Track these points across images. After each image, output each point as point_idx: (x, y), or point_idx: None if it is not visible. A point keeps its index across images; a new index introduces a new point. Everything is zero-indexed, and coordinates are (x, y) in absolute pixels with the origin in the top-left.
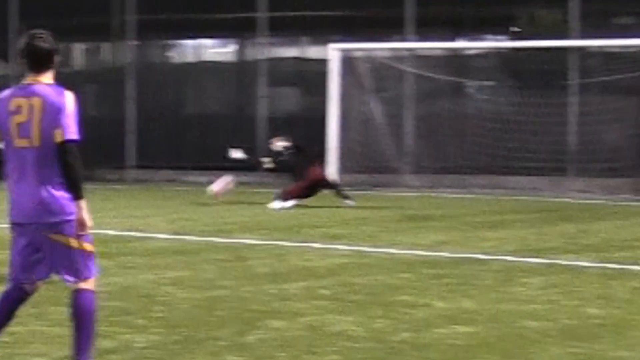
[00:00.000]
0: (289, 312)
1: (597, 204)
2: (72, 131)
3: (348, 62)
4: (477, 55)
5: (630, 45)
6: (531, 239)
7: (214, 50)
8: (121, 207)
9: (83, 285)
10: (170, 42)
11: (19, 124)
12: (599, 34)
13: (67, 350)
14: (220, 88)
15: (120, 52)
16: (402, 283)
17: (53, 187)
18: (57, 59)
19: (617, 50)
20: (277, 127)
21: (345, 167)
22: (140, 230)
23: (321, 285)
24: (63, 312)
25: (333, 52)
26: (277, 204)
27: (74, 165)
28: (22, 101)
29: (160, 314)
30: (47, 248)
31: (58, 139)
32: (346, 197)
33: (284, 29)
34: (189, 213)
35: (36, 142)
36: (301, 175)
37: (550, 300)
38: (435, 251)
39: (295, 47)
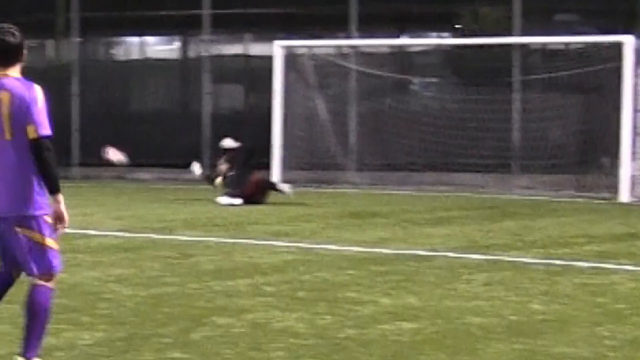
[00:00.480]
0: (234, 309)
1: (541, 200)
2: (44, 127)
3: (292, 59)
4: (421, 53)
5: (573, 42)
6: (476, 236)
7: (158, 47)
8: (67, 204)
9: (41, 281)
10: (114, 39)
11: None
12: (542, 31)
13: (15, 347)
14: (165, 85)
15: (65, 50)
16: (347, 280)
17: (25, 181)
18: (25, 52)
19: (560, 47)
20: (222, 124)
21: (289, 163)
22: (85, 228)
23: (266, 282)
24: (16, 310)
25: (277, 49)
26: (225, 200)
27: (49, 161)
28: None
29: (106, 311)
30: (12, 241)
31: (31, 135)
32: (281, 190)
33: (228, 26)
34: (133, 210)
35: (8, 136)
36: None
37: (494, 297)
38: (380, 248)
39: (240, 44)
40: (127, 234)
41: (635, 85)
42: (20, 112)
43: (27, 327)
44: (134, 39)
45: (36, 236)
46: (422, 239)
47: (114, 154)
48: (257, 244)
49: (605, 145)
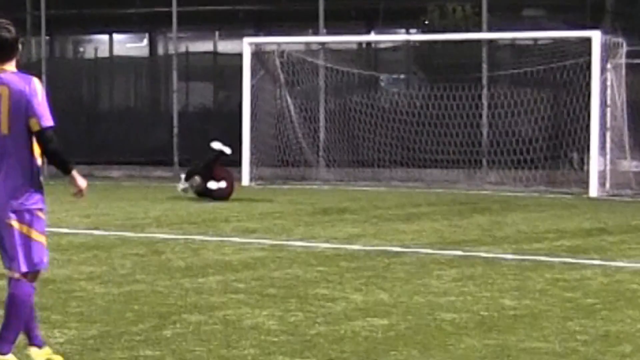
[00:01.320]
0: (205, 306)
1: (511, 196)
2: (47, 118)
3: (262, 56)
4: (390, 49)
5: (541, 38)
6: (446, 231)
7: (127, 45)
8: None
9: (24, 276)
10: (83, 37)
11: None
12: (510, 27)
13: None
14: (134, 83)
15: (33, 48)
16: (318, 276)
17: (21, 175)
18: (20, 47)
19: (529, 42)
20: (191, 121)
21: (258, 160)
22: (56, 226)
23: (237, 279)
24: None
25: (246, 46)
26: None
27: (56, 150)
28: None
29: (77, 309)
30: (6, 235)
31: (35, 128)
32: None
33: (196, 24)
34: (103, 208)
35: (5, 130)
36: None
37: (465, 292)
38: (351, 244)
39: (209, 42)
40: (97, 232)
41: (604, 80)
42: (20, 106)
43: (6, 322)
44: (102, 37)
45: (28, 230)
46: (392, 235)
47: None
48: (227, 241)
49: (575, 140)
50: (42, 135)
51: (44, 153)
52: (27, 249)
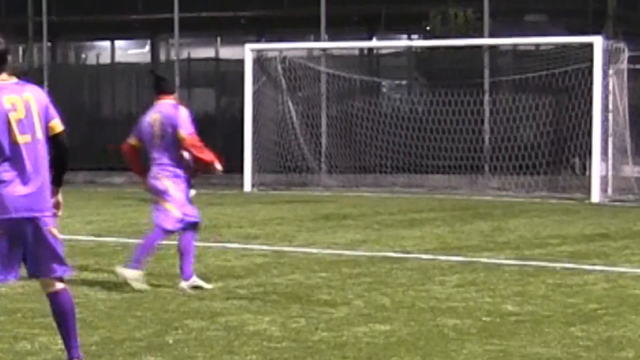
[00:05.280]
0: (207, 313)
1: (513, 201)
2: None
3: (263, 62)
4: (391, 55)
5: (543, 43)
6: (448, 237)
7: (129, 51)
8: None
9: (61, 283)
10: (85, 43)
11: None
12: (512, 33)
13: None
14: (136, 89)
15: (35, 54)
16: (320, 282)
17: (47, 179)
18: (10, 58)
19: (530, 48)
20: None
21: (260, 166)
22: (58, 232)
23: (239, 285)
24: None
25: (248, 53)
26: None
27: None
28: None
29: (79, 316)
30: (42, 242)
31: (58, 129)
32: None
33: (198, 30)
34: (106, 214)
35: (39, 134)
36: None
37: (467, 298)
38: (353, 250)
39: (211, 48)
40: (99, 239)
41: (606, 85)
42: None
43: (68, 330)
44: (104, 43)
45: (57, 234)
46: (394, 241)
47: None
48: (229, 247)
49: (577, 145)
50: (63, 137)
51: (61, 156)
52: (61, 254)
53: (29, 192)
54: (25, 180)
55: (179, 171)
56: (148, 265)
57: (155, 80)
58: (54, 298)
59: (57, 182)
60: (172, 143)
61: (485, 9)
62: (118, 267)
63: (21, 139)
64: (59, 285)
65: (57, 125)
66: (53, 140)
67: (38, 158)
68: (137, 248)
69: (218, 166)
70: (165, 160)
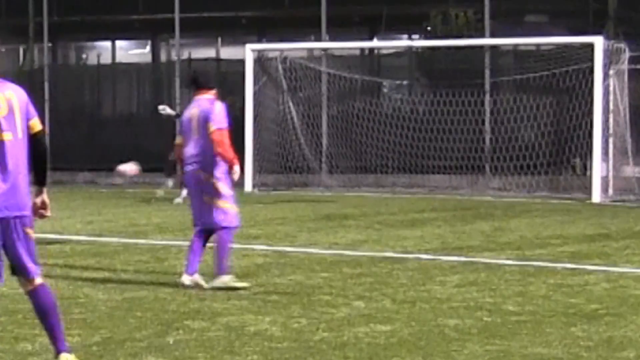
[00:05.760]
0: (208, 313)
1: (514, 201)
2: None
3: (264, 62)
4: (392, 55)
5: (543, 44)
6: (449, 237)
7: (129, 51)
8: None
9: (40, 279)
10: (85, 43)
11: None
12: (513, 33)
13: None
14: (136, 89)
15: (36, 55)
16: (321, 282)
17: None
18: None
19: (531, 48)
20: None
21: (261, 167)
22: (58, 233)
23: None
24: None
25: (249, 53)
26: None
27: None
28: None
29: (80, 316)
30: (23, 241)
31: (37, 128)
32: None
33: (199, 30)
34: (106, 215)
35: (20, 134)
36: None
37: (468, 298)
38: (354, 250)
39: (211, 48)
40: (99, 239)
41: (607, 86)
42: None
43: (53, 324)
44: (105, 44)
45: (32, 234)
46: (395, 241)
47: (128, 168)
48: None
49: (577, 146)
50: (42, 136)
51: (41, 155)
52: (35, 253)
53: (8, 190)
54: (5, 178)
55: (221, 166)
56: (149, 266)
57: (194, 76)
58: (35, 294)
59: (40, 181)
60: (208, 137)
61: (486, 10)
62: (208, 283)
63: (4, 136)
64: (38, 281)
65: (37, 124)
66: (32, 139)
67: (19, 156)
68: (215, 256)
69: (236, 168)
70: (205, 155)
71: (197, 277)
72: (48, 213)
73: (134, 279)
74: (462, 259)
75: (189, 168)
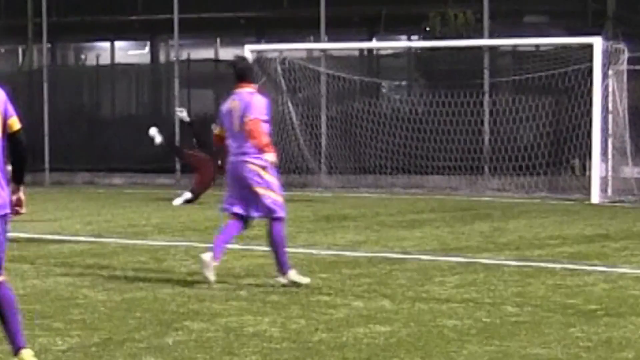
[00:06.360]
0: (207, 314)
1: (512, 202)
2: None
3: (263, 63)
4: (391, 55)
5: (542, 44)
6: (448, 238)
7: (128, 52)
8: (38, 210)
9: (3, 277)
10: (84, 44)
11: None
12: (512, 33)
13: None
14: (135, 90)
15: (36, 55)
16: (320, 283)
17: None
18: None
19: (530, 49)
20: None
21: None
22: (57, 233)
23: (239, 286)
24: None
25: (248, 53)
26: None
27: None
28: None
29: (79, 317)
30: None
31: (16, 127)
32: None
33: (198, 31)
34: (105, 215)
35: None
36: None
37: (467, 299)
38: (353, 251)
39: (210, 48)
40: (99, 239)
41: (606, 86)
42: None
43: (13, 322)
44: (104, 44)
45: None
46: (394, 242)
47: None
48: (229, 248)
49: (576, 146)
50: (21, 134)
51: (22, 153)
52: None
53: None
54: None
55: (263, 157)
56: (148, 266)
57: (235, 69)
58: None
59: (18, 179)
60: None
61: (485, 10)
62: (280, 278)
63: None
64: (2, 278)
65: (16, 123)
66: (11, 138)
67: None
68: (275, 254)
69: (267, 156)
70: (248, 148)
71: (209, 257)
72: (23, 210)
73: (133, 279)
74: (461, 259)
75: (233, 159)
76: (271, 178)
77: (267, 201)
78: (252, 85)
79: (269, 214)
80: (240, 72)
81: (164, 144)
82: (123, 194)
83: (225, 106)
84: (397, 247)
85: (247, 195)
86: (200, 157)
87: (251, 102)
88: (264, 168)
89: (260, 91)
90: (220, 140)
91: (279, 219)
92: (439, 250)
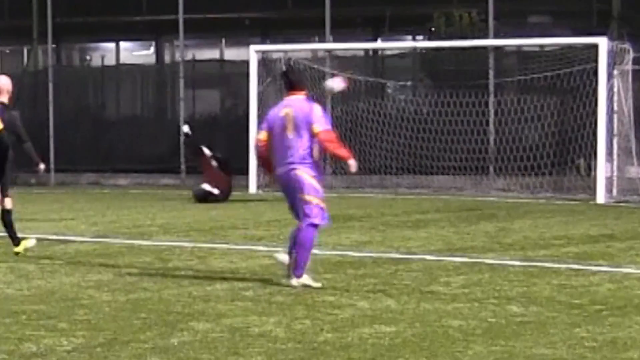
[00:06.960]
0: (212, 314)
1: (518, 202)
2: None
3: (268, 63)
4: (396, 56)
5: (547, 44)
6: (453, 238)
7: (134, 52)
8: (43, 210)
9: None
10: (89, 45)
11: None
12: (517, 34)
13: None
14: (140, 90)
15: (41, 56)
16: (325, 283)
17: None
18: None
19: (535, 49)
20: (198, 129)
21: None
22: (62, 234)
23: (244, 286)
24: None
25: (253, 54)
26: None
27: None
28: None
29: (84, 317)
30: None
31: None
32: None
33: (203, 31)
34: (110, 216)
35: None
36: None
37: (472, 299)
38: (358, 251)
39: (215, 49)
40: (104, 240)
41: (611, 86)
42: None
43: None
44: (109, 45)
45: None
46: (399, 242)
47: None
48: (234, 249)
49: (582, 146)
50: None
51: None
52: None
53: None
54: None
55: (313, 165)
56: (153, 267)
57: (286, 76)
58: None
59: None
60: (305, 138)
61: (489, 10)
62: (292, 280)
63: None
64: None
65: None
66: None
67: None
68: (296, 252)
69: (352, 162)
70: (300, 154)
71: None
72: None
73: (138, 280)
74: (466, 259)
75: (282, 167)
76: (318, 186)
77: (309, 210)
78: (303, 92)
79: (307, 222)
80: (293, 81)
81: (192, 137)
82: (128, 194)
83: (276, 113)
84: (402, 248)
85: (298, 201)
86: (216, 174)
87: (311, 111)
88: (313, 176)
89: (310, 97)
90: (263, 145)
91: (313, 225)
92: (444, 251)
